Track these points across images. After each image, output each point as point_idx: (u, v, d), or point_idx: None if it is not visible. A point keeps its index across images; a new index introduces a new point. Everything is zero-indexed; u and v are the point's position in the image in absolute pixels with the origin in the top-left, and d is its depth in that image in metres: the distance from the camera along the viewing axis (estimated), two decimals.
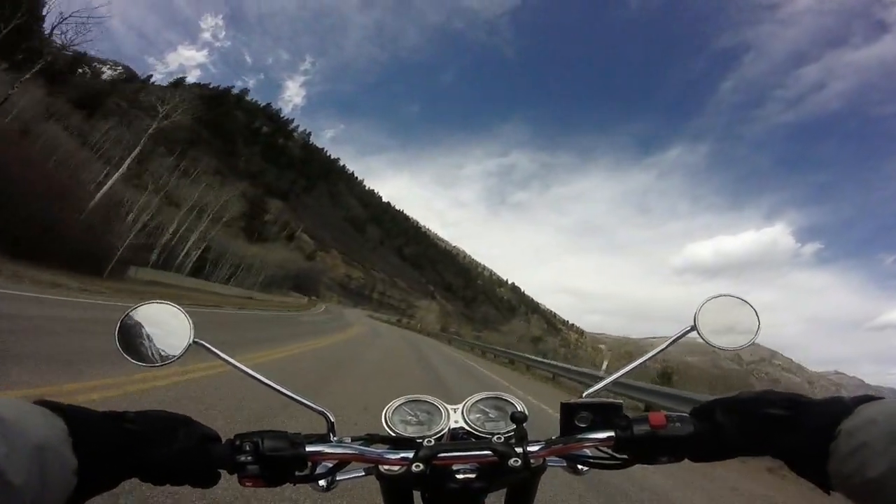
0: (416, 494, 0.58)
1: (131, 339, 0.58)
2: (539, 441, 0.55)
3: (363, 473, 0.59)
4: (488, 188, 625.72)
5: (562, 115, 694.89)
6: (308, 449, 0.51)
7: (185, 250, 37.19)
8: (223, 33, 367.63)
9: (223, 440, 0.49)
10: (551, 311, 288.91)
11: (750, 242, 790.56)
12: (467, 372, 13.97)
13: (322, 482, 0.55)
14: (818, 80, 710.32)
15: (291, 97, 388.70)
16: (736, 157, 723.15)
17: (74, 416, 0.39)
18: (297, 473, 0.51)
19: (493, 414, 0.66)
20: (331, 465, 0.54)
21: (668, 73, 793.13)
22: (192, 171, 44.26)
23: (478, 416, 0.66)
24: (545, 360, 18.65)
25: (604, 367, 18.55)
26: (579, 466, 0.58)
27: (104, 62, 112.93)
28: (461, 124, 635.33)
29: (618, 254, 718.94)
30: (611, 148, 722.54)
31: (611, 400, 0.55)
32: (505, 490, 0.60)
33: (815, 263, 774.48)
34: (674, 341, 0.62)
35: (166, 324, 0.60)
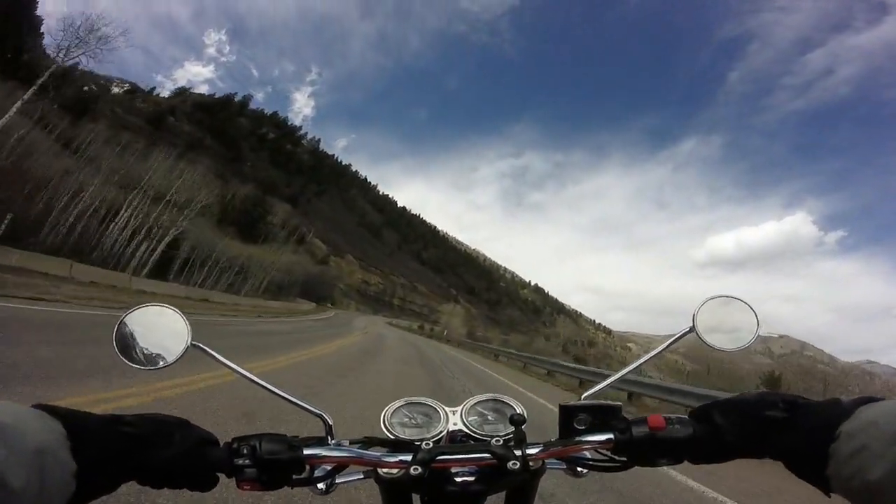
0: (416, 497, 0.57)
1: (128, 343, 0.57)
2: (538, 443, 0.54)
3: (362, 476, 0.58)
4: (504, 190, 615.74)
5: (571, 113, 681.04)
6: (306, 452, 0.50)
7: (137, 243, 29.16)
8: (227, 48, 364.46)
9: (221, 443, 0.48)
10: (576, 311, 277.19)
11: (772, 233, 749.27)
12: None
13: (320, 485, 0.54)
14: (825, 66, 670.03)
15: (301, 108, 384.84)
16: (751, 147, 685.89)
17: (73, 420, 0.39)
18: (295, 477, 0.50)
19: (491, 416, 0.65)
20: (329, 469, 0.53)
21: (675, 67, 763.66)
22: (160, 157, 36.42)
23: (476, 418, 0.64)
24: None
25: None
26: (578, 468, 0.57)
27: (111, 80, 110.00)
28: (472, 127, 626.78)
29: (638, 250, 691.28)
30: (624, 144, 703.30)
31: (609, 402, 0.54)
32: (504, 492, 0.59)
33: (839, 251, 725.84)
34: (672, 343, 0.62)
35: (164, 327, 0.59)
